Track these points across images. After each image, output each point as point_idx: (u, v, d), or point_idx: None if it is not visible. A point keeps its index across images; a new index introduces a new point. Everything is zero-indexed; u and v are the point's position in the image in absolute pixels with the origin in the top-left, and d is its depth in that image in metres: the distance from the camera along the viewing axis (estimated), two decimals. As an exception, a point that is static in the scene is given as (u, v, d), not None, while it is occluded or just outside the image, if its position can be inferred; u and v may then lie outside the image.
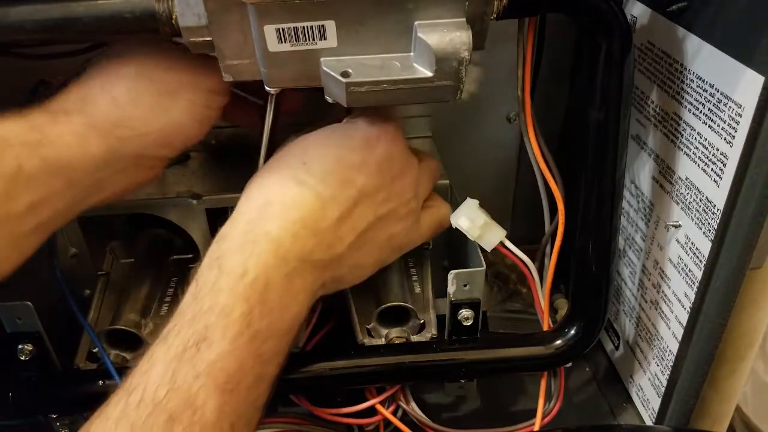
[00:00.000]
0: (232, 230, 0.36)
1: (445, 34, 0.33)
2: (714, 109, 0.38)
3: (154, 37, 0.35)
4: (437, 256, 0.52)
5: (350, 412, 0.47)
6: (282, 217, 0.36)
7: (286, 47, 0.34)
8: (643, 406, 0.53)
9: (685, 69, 0.41)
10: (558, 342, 0.47)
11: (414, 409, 0.49)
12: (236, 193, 0.49)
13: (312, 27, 0.33)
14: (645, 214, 0.49)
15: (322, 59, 0.34)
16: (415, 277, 0.51)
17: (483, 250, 0.45)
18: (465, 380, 0.49)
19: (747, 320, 0.45)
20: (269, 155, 0.41)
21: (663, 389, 0.48)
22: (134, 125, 0.37)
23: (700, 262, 0.41)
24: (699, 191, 0.41)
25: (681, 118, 0.42)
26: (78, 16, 0.34)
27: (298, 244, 0.36)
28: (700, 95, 0.40)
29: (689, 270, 0.43)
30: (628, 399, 0.55)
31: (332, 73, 0.34)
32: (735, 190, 0.37)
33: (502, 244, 0.45)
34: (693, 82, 0.40)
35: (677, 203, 0.44)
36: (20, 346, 0.44)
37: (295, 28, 0.33)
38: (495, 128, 0.59)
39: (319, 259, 0.37)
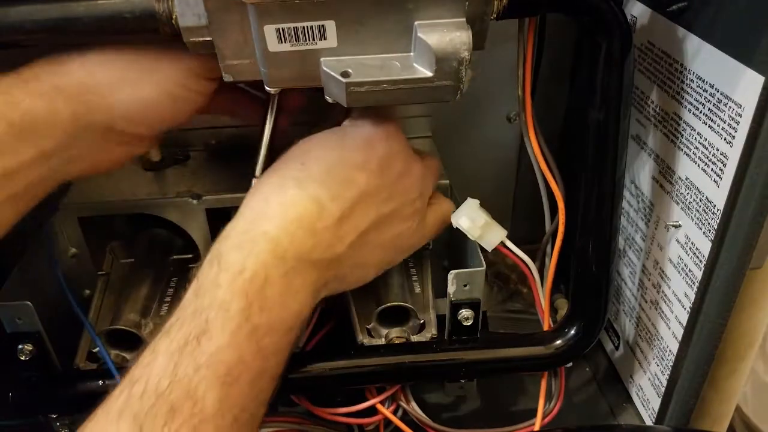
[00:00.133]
0: (232, 230, 0.37)
1: (445, 34, 0.33)
2: (714, 109, 0.38)
3: (154, 37, 0.35)
4: (437, 256, 0.52)
5: (350, 412, 0.47)
6: (280, 218, 0.36)
7: (286, 47, 0.34)
8: (643, 406, 0.53)
9: (685, 69, 0.41)
10: (558, 342, 0.47)
11: (414, 408, 0.49)
12: (236, 193, 0.49)
13: (312, 27, 0.33)
14: (645, 214, 0.49)
15: (322, 59, 0.34)
16: (415, 277, 0.51)
17: (483, 250, 0.45)
18: (465, 380, 0.49)
19: (747, 320, 0.45)
20: (271, 155, 0.41)
21: (663, 389, 0.48)
22: (102, 91, 0.36)
23: (700, 262, 0.41)
24: (699, 191, 0.41)
25: (681, 118, 0.42)
26: (78, 16, 0.34)
27: (296, 243, 0.36)
28: (700, 95, 0.40)
29: (689, 270, 0.43)
30: (628, 399, 0.55)
31: (332, 73, 0.34)
32: (735, 190, 0.37)
33: (502, 243, 0.45)
34: (693, 82, 0.40)
35: (677, 203, 0.44)
36: (20, 346, 0.43)
37: (295, 28, 0.33)
38: (495, 128, 0.59)
39: (319, 258, 0.37)
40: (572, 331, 0.47)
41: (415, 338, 0.48)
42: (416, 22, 0.34)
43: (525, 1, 0.36)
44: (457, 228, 0.45)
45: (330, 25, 0.33)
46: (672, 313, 0.46)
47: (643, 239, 0.50)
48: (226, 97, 0.44)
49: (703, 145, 0.40)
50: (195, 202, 0.49)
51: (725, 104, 0.37)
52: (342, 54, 0.34)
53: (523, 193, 0.62)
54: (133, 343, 0.47)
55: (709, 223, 0.40)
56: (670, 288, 0.46)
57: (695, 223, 0.42)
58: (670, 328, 0.47)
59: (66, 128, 0.35)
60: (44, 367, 0.45)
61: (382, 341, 0.47)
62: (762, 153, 0.35)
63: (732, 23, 0.36)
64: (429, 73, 0.34)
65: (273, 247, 0.35)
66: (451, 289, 0.44)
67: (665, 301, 0.47)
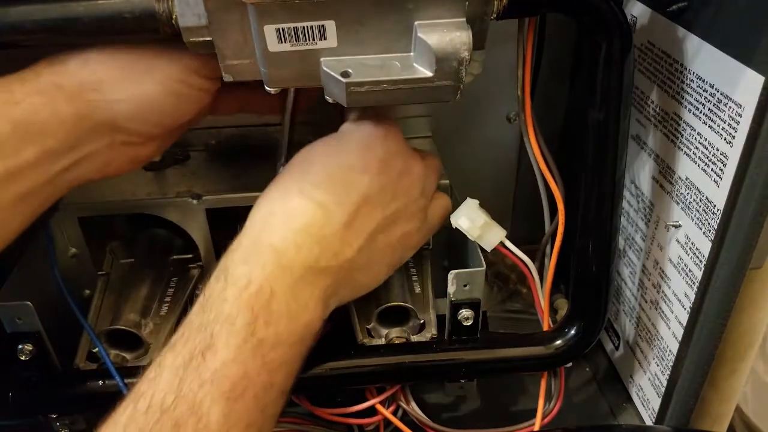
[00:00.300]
0: (238, 243, 0.37)
1: (445, 34, 0.33)
2: (714, 109, 0.38)
3: (154, 37, 0.35)
4: (437, 256, 0.52)
5: (350, 412, 0.47)
6: (285, 228, 0.36)
7: (286, 47, 0.34)
8: (643, 406, 0.53)
9: (685, 69, 0.41)
10: (558, 342, 0.47)
11: (414, 409, 0.49)
12: (236, 193, 0.49)
13: (312, 27, 0.33)
14: (645, 214, 0.49)
15: (322, 59, 0.34)
16: (415, 277, 0.51)
17: (483, 250, 0.45)
18: (465, 380, 0.49)
19: (747, 320, 0.45)
20: (291, 145, 0.43)
21: (663, 389, 0.48)
22: (103, 89, 0.36)
23: (700, 262, 0.41)
24: (699, 191, 0.41)
25: (681, 118, 0.42)
26: (78, 16, 0.34)
27: (303, 253, 0.36)
28: (700, 95, 0.40)
29: (689, 270, 0.43)
30: (628, 399, 0.55)
31: (332, 73, 0.34)
32: (735, 190, 0.37)
33: (502, 244, 0.45)
34: (693, 82, 0.40)
35: (677, 203, 0.44)
36: (20, 346, 0.43)
37: (295, 28, 0.33)
38: (495, 128, 0.59)
39: (327, 265, 0.37)
40: (572, 331, 0.47)
41: (415, 338, 0.48)
42: (416, 22, 0.34)
43: (525, 1, 0.36)
44: (456, 228, 0.45)
45: (330, 25, 0.33)
46: (672, 313, 0.46)
47: (643, 239, 0.50)
48: (237, 95, 0.43)
49: (703, 145, 0.40)
50: (195, 202, 0.49)
51: (725, 104, 0.37)
52: (342, 54, 0.34)
53: (523, 193, 0.62)
54: (133, 343, 0.47)
55: (709, 223, 0.40)
56: (670, 288, 0.46)
57: (695, 223, 0.42)
58: (670, 328, 0.47)
59: (69, 128, 0.35)
60: (44, 367, 0.45)
61: (382, 341, 0.47)
62: (762, 153, 0.35)
63: (732, 23, 0.36)
64: (429, 73, 0.34)
65: (279, 259, 0.35)
66: (451, 289, 0.44)
67: (665, 301, 0.47)
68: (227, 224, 0.47)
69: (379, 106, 0.39)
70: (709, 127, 0.39)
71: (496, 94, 0.56)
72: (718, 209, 0.39)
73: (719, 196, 0.39)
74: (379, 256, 0.40)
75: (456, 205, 0.45)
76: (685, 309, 0.44)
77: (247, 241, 0.37)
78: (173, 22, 0.34)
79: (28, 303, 0.42)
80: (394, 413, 0.49)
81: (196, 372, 0.32)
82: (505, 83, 0.51)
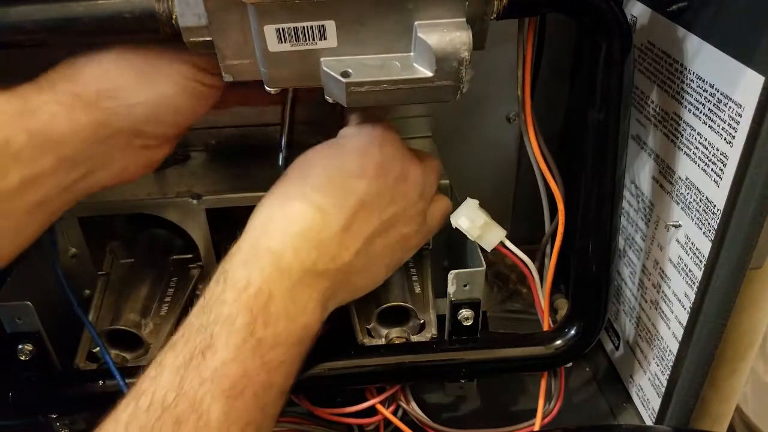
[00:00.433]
0: (237, 247, 0.37)
1: (445, 34, 0.33)
2: (714, 109, 0.38)
3: (154, 37, 0.35)
4: (437, 256, 0.52)
5: (350, 412, 0.47)
6: (283, 232, 0.37)
7: (286, 47, 0.34)
8: (643, 406, 0.53)
9: (685, 69, 0.41)
10: (558, 342, 0.47)
11: (414, 409, 0.49)
12: (236, 193, 0.49)
13: (312, 27, 0.33)
14: (645, 214, 0.49)
15: (322, 59, 0.34)
16: (415, 277, 0.51)
17: (483, 250, 0.45)
18: (465, 380, 0.49)
19: (747, 320, 0.45)
20: (290, 146, 0.44)
21: (663, 389, 0.48)
22: (120, 95, 0.36)
23: (700, 262, 0.41)
24: (699, 191, 0.41)
25: (681, 118, 0.42)
26: (78, 16, 0.34)
27: (301, 256, 0.37)
28: (700, 95, 0.40)
29: (689, 270, 0.43)
30: (628, 399, 0.55)
31: (332, 73, 0.34)
32: (735, 190, 0.37)
33: (502, 244, 0.45)
34: (693, 82, 0.40)
35: (677, 203, 0.44)
36: (20, 346, 0.43)
37: (295, 28, 0.33)
38: (495, 128, 0.59)
39: (325, 269, 0.37)
40: (572, 331, 0.47)
41: (415, 338, 0.48)
42: (416, 22, 0.34)
43: (525, 1, 0.36)
44: (456, 228, 0.45)
45: (330, 25, 0.33)
46: (672, 313, 0.46)
47: (643, 239, 0.50)
48: (239, 89, 0.44)
49: (703, 145, 0.40)
50: (195, 202, 0.49)
51: (725, 104, 0.37)
52: (342, 54, 0.34)
53: (523, 193, 0.62)
54: (133, 343, 0.47)
55: (709, 223, 0.40)
56: (670, 288, 0.46)
57: (695, 223, 0.42)
58: (670, 328, 0.47)
59: (87, 136, 0.35)
60: (44, 367, 0.45)
61: (382, 341, 0.47)
62: (762, 153, 0.35)
63: (732, 23, 0.36)
64: (429, 73, 0.34)
65: (277, 262, 0.36)
66: (451, 289, 0.44)
67: (665, 301, 0.47)
68: (227, 224, 0.47)
69: (379, 106, 0.39)
70: (709, 127, 0.39)
71: (496, 94, 0.56)
72: (718, 209, 0.39)
73: (719, 196, 0.39)
74: (377, 259, 0.41)
75: (456, 205, 0.45)
76: (685, 309, 0.44)
77: (246, 245, 0.37)
78: (173, 22, 0.34)
79: (28, 303, 0.42)
80: (394, 413, 0.49)
81: (197, 371, 0.32)
82: (505, 83, 0.51)
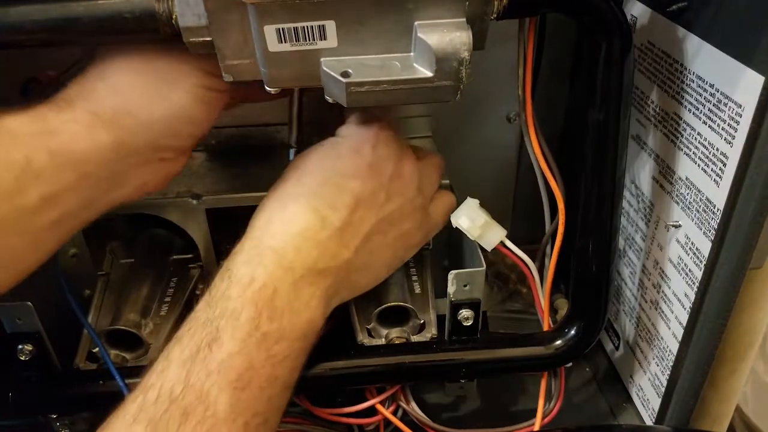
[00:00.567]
0: (241, 247, 0.38)
1: (445, 35, 0.33)
2: (714, 109, 0.38)
3: (154, 37, 0.35)
4: (437, 256, 0.52)
5: (350, 412, 0.47)
6: (284, 233, 0.38)
7: (286, 47, 0.34)
8: (643, 406, 0.53)
9: (685, 69, 0.41)
10: (558, 342, 0.47)
11: (414, 409, 0.49)
12: (236, 193, 0.49)
13: (312, 27, 0.33)
14: (645, 214, 0.49)
15: (322, 59, 0.34)
16: (415, 277, 0.50)
17: (483, 249, 0.45)
18: (465, 380, 0.49)
19: (747, 320, 0.45)
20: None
21: (663, 389, 0.48)
22: (138, 113, 0.36)
23: (700, 262, 0.41)
24: (699, 191, 0.41)
25: (681, 118, 0.42)
26: (77, 16, 0.34)
27: (302, 255, 0.37)
28: (700, 95, 0.40)
29: (689, 270, 0.43)
30: (628, 399, 0.55)
31: (332, 73, 0.34)
32: (735, 190, 0.37)
33: (502, 243, 0.45)
34: (693, 82, 0.40)
35: (677, 203, 0.44)
36: (20, 346, 0.43)
37: (295, 28, 0.33)
38: (495, 128, 0.59)
39: (326, 267, 0.38)
40: (572, 332, 0.47)
41: (415, 338, 0.48)
42: (416, 22, 0.34)
43: (525, 1, 0.36)
44: (456, 228, 0.45)
45: (330, 25, 0.33)
46: (672, 313, 0.46)
47: (643, 239, 0.50)
48: (242, 86, 0.44)
49: (703, 145, 0.40)
50: (195, 202, 0.49)
51: (725, 104, 0.37)
52: (342, 54, 0.34)
53: (523, 193, 0.62)
54: (133, 343, 0.47)
55: (709, 223, 0.40)
56: (670, 288, 0.46)
57: (695, 223, 0.42)
58: (670, 328, 0.47)
59: (107, 154, 0.35)
60: (44, 367, 0.45)
61: (382, 341, 0.47)
62: (762, 153, 0.35)
63: (732, 23, 0.36)
64: (429, 73, 0.34)
65: (280, 260, 0.37)
66: (451, 289, 0.44)
67: (665, 301, 0.47)
68: (227, 224, 0.47)
69: (379, 106, 0.39)
70: (709, 127, 0.39)
71: (496, 94, 0.56)
72: (718, 209, 0.39)
73: (719, 196, 0.39)
74: (377, 257, 0.41)
75: (456, 204, 0.45)
76: (685, 309, 0.44)
77: (248, 245, 0.38)
78: (173, 22, 0.34)
79: (28, 303, 0.42)
80: (394, 413, 0.49)
81: (203, 363, 0.33)
82: (505, 83, 0.52)
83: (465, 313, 0.45)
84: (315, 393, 0.47)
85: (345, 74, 0.34)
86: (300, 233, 0.38)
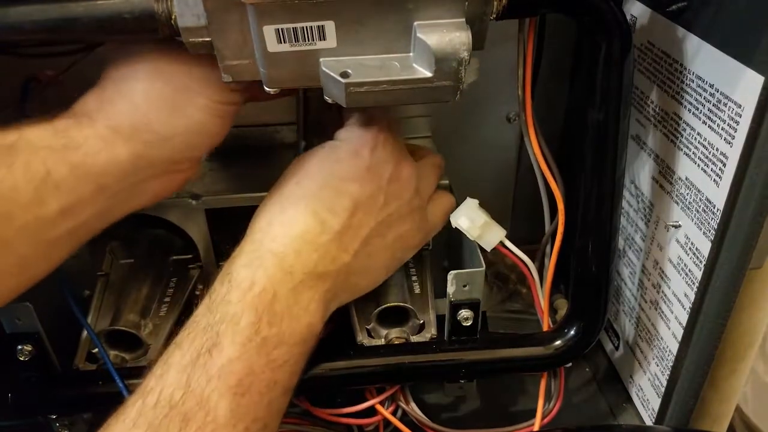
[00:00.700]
0: (241, 250, 0.38)
1: (445, 35, 0.33)
2: (714, 109, 0.38)
3: (153, 37, 0.35)
4: (437, 256, 0.52)
5: (350, 412, 0.47)
6: (284, 236, 0.38)
7: (285, 47, 0.34)
8: (643, 406, 0.53)
9: (685, 69, 0.41)
10: (558, 342, 0.47)
11: (414, 409, 0.49)
12: (236, 193, 0.49)
13: (311, 27, 0.33)
14: (645, 214, 0.49)
15: (321, 59, 0.34)
16: (415, 277, 0.50)
17: (483, 250, 0.45)
18: (465, 380, 0.49)
19: (747, 320, 0.45)
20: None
21: (663, 389, 0.48)
22: (157, 129, 0.37)
23: (700, 262, 0.41)
24: (699, 191, 0.41)
25: (681, 118, 0.42)
26: (77, 16, 0.34)
27: (302, 258, 0.37)
28: (700, 95, 0.40)
29: (689, 270, 0.43)
30: (628, 399, 0.55)
31: (331, 74, 0.34)
32: (735, 190, 0.37)
33: (502, 243, 0.45)
34: (693, 82, 0.40)
35: (677, 203, 0.44)
36: (20, 347, 0.44)
37: (295, 29, 0.33)
38: (495, 128, 0.59)
39: (325, 270, 0.38)
40: (572, 332, 0.47)
41: (414, 338, 0.48)
42: (416, 23, 0.33)
43: (525, 1, 0.36)
44: (456, 228, 0.45)
45: (329, 26, 0.33)
46: (672, 313, 0.46)
47: (643, 239, 0.50)
48: (246, 87, 0.44)
49: (703, 145, 0.40)
50: (195, 202, 0.49)
51: (725, 104, 0.37)
52: (341, 54, 0.34)
53: (523, 193, 0.62)
54: (133, 343, 0.47)
55: (709, 223, 0.40)
56: (670, 288, 0.46)
57: (695, 223, 0.42)
58: (670, 328, 0.47)
59: (126, 167, 0.36)
60: (44, 368, 0.45)
61: (382, 341, 0.47)
62: (762, 153, 0.35)
63: (732, 23, 0.36)
64: (428, 74, 0.34)
65: (280, 263, 0.37)
66: (450, 289, 0.44)
67: (665, 301, 0.47)
68: (227, 224, 0.47)
69: (377, 107, 0.39)
70: (709, 127, 0.39)
71: (496, 94, 0.56)
72: (718, 209, 0.39)
73: (719, 196, 0.39)
74: (376, 259, 0.41)
75: (456, 205, 0.45)
76: (685, 309, 0.44)
77: (249, 248, 0.38)
78: (172, 22, 0.34)
79: (28, 303, 0.42)
80: (394, 413, 0.49)
81: (204, 368, 0.33)
82: (505, 83, 0.51)
83: (464, 313, 0.45)
84: (315, 393, 0.47)
85: (344, 74, 0.34)
86: (300, 236, 0.38)
